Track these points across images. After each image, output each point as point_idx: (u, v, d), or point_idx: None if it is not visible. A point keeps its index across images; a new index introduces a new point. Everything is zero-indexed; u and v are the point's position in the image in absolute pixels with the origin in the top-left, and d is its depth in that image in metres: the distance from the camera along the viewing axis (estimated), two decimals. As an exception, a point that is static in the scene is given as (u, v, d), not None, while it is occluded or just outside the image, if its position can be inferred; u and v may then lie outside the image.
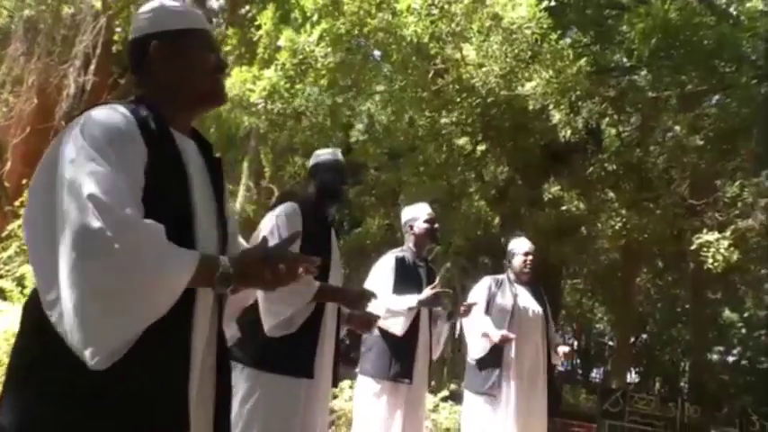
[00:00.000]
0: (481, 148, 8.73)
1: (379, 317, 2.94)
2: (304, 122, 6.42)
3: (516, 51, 6.25)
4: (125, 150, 1.22)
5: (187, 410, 1.26)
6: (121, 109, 1.29)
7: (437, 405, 4.73)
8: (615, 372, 11.05)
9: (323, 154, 2.95)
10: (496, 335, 3.67)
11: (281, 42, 5.27)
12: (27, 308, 1.26)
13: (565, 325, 22.30)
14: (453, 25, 5.48)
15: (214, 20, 10.39)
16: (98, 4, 8.81)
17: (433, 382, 5.64)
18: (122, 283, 1.11)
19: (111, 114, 1.26)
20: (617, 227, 6.86)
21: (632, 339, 17.90)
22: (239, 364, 2.56)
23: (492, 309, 3.83)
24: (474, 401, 3.76)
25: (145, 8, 1.46)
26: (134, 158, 1.23)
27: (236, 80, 5.68)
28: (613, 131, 8.74)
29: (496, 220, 9.49)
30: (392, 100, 6.49)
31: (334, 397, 4.64)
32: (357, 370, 3.45)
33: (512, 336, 3.66)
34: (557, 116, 6.75)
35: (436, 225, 3.63)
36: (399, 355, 3.27)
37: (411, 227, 3.58)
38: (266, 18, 5.58)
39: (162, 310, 1.16)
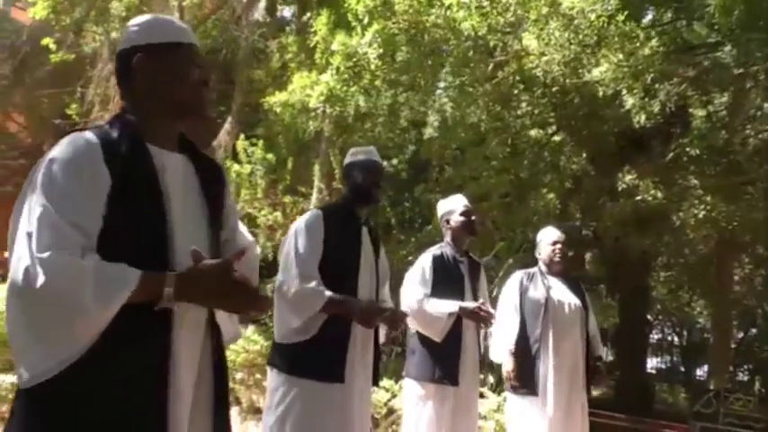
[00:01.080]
0: (557, 138, 8.46)
1: (406, 314, 2.91)
2: (367, 124, 6.48)
3: (580, 37, 6.00)
4: (79, 182, 1.27)
5: (165, 425, 1.29)
6: (87, 136, 1.35)
7: (501, 404, 4.62)
8: (715, 370, 10.34)
9: (357, 153, 2.91)
10: (509, 370, 3.57)
11: (335, 46, 5.36)
12: None
13: (663, 319, 21.13)
14: (508, 15, 5.33)
15: (287, 28, 10.70)
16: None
17: (492, 381, 5.56)
18: (39, 317, 1.19)
19: (70, 147, 1.31)
20: (700, 215, 6.41)
21: (740, 335, 16.67)
22: (274, 369, 2.64)
23: (524, 304, 3.68)
24: (513, 401, 3.65)
25: (133, 21, 1.53)
26: (90, 188, 1.28)
27: (297, 86, 5.82)
28: (701, 113, 8.20)
29: (575, 213, 9.16)
30: (454, 96, 6.41)
31: (394, 396, 4.67)
32: (403, 373, 3.43)
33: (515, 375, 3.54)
34: (630, 101, 6.40)
35: (473, 217, 3.50)
36: (442, 357, 3.21)
37: (447, 221, 3.47)
38: (321, 24, 5.69)
39: (81, 342, 1.21)
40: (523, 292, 3.72)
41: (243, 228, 1.70)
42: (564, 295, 3.74)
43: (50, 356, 1.20)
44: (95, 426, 1.23)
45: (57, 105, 10.77)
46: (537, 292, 3.70)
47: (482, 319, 3.24)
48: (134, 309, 1.24)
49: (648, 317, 17.61)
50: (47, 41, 8.64)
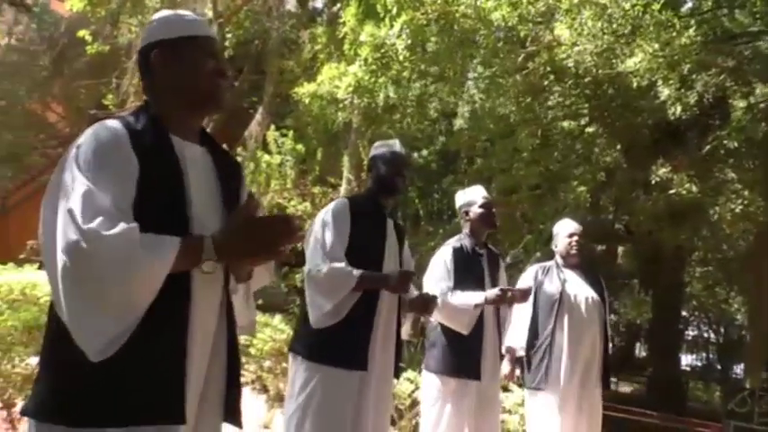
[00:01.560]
0: (589, 130, 8.32)
1: (436, 297, 2.90)
2: (396, 115, 6.47)
3: (614, 26, 5.88)
4: (110, 166, 1.30)
5: (182, 402, 1.33)
6: (114, 124, 1.38)
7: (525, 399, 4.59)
8: (750, 369, 10.08)
9: (382, 145, 2.93)
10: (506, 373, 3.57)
11: (363, 38, 5.36)
12: (51, 305, 1.43)
13: (699, 316, 20.67)
14: (540, 5, 5.25)
15: (318, 18, 10.74)
16: (210, 13, 9.43)
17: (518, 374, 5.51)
18: (97, 286, 1.22)
19: (101, 132, 1.35)
20: (737, 210, 6.23)
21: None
22: (298, 356, 2.67)
23: (538, 298, 3.60)
24: (528, 396, 3.61)
25: (151, 19, 1.57)
26: (121, 172, 1.31)
27: (326, 77, 5.84)
28: (741, 104, 7.95)
29: (607, 206, 9.02)
30: (484, 87, 6.36)
31: (417, 388, 4.67)
32: (422, 366, 3.40)
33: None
34: (665, 92, 6.25)
35: (493, 209, 3.44)
36: (464, 351, 3.17)
37: (467, 212, 3.40)
38: (349, 15, 5.69)
39: (141, 305, 1.25)
40: (538, 285, 3.64)
41: None
42: (581, 289, 3.63)
43: (116, 324, 1.23)
44: (123, 393, 1.27)
45: (93, 96, 11.04)
46: (551, 286, 3.59)
47: (509, 298, 3.20)
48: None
49: (684, 313, 17.26)
50: (83, 33, 8.83)
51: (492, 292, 3.18)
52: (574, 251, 3.67)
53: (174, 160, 1.41)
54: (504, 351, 3.54)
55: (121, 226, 1.22)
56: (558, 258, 3.74)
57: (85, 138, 1.34)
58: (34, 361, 3.12)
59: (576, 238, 3.68)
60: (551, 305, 3.55)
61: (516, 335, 3.61)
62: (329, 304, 2.54)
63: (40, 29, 10.97)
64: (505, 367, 3.59)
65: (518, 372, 3.77)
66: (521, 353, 3.61)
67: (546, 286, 3.63)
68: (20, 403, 3.03)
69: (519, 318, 3.61)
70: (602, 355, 3.59)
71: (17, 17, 11.79)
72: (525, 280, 3.72)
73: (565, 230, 3.74)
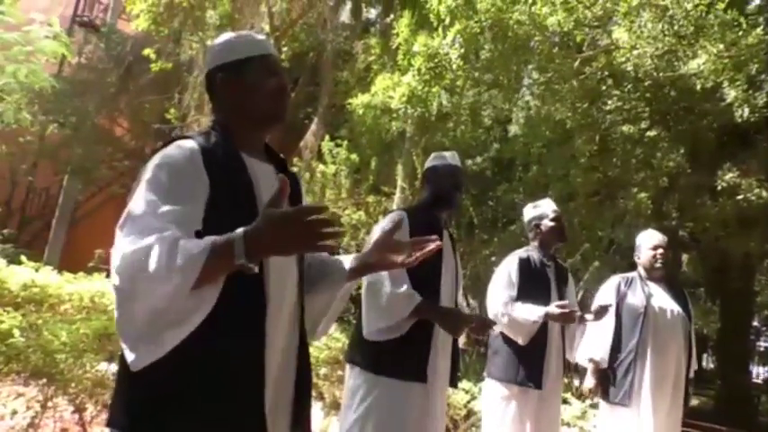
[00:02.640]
0: (651, 134, 8.08)
1: (494, 323, 2.88)
2: (449, 123, 6.45)
3: (675, 28, 5.69)
4: (183, 184, 1.33)
5: (264, 420, 1.35)
6: (188, 144, 1.42)
7: (585, 411, 4.48)
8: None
9: (438, 158, 2.91)
10: (589, 386, 3.46)
11: (416, 47, 5.37)
12: None
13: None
14: (596, 9, 5.14)
15: (371, 29, 10.86)
16: (267, 27, 9.68)
17: (577, 386, 5.38)
18: (139, 304, 1.22)
19: (174, 153, 1.39)
20: (812, 216, 5.93)
21: None
22: (356, 367, 2.68)
23: (622, 310, 3.50)
24: (606, 410, 3.51)
25: (213, 43, 1.63)
26: (192, 192, 1.34)
27: (380, 87, 5.89)
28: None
29: (670, 212, 8.70)
30: (539, 93, 6.27)
31: (473, 398, 4.63)
32: (485, 374, 3.40)
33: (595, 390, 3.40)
34: (732, 94, 6.00)
35: (564, 223, 3.43)
36: (527, 360, 3.15)
37: (537, 225, 3.41)
38: (403, 25, 5.72)
39: (182, 317, 1.23)
40: (621, 298, 3.54)
41: None
42: (665, 302, 3.52)
43: (154, 344, 1.23)
44: (195, 409, 1.28)
45: (157, 110, 11.48)
46: (636, 299, 3.51)
47: (568, 317, 3.15)
48: (232, 298, 1.27)
49: (755, 323, 16.42)
50: (148, 51, 9.21)
51: (554, 310, 3.14)
52: (658, 264, 3.55)
53: (247, 181, 1.44)
54: (587, 362, 3.50)
55: (163, 243, 1.21)
56: (642, 270, 3.63)
57: (161, 156, 1.39)
58: (104, 367, 3.26)
59: (661, 250, 3.56)
60: (636, 318, 3.46)
61: (598, 347, 3.52)
62: (383, 324, 2.55)
63: (107, 48, 11.50)
64: (589, 381, 3.51)
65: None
66: (604, 365, 3.52)
67: (630, 299, 3.53)
68: (90, 407, 3.17)
69: (600, 329, 3.51)
70: (686, 371, 3.47)
71: (86, 37, 12.44)
72: (606, 292, 3.63)
73: (648, 242, 3.62)
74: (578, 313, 3.20)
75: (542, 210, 3.45)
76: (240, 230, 1.21)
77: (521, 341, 3.17)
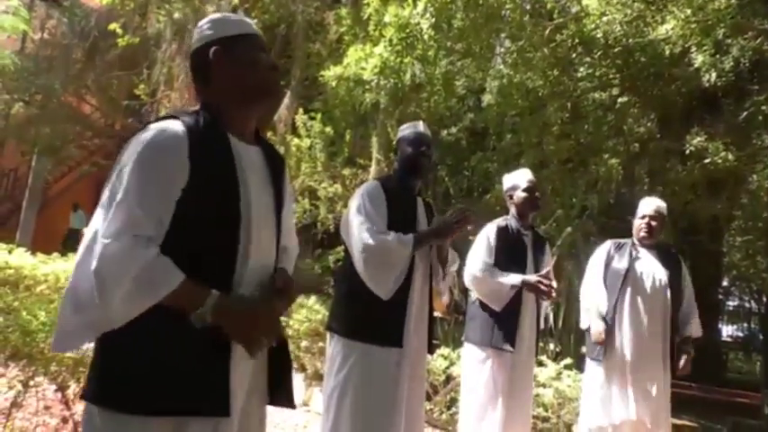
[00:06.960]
0: (621, 100, 8.17)
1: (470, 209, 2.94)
2: (422, 94, 6.44)
3: (644, -7, 5.73)
4: (162, 173, 1.37)
5: (227, 392, 1.40)
6: (175, 127, 1.43)
7: (560, 372, 4.62)
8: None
9: (405, 128, 3.00)
10: (596, 331, 3.53)
11: (387, 18, 5.34)
12: None
13: (741, 286, 20.21)
14: (566, -24, 5.15)
15: (342, 0, 10.70)
16: (236, 0, 9.48)
17: (556, 349, 5.54)
18: (83, 294, 1.33)
19: (159, 140, 1.40)
20: (775, 177, 6.09)
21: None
22: (335, 335, 2.75)
23: (607, 274, 3.62)
24: (590, 367, 3.64)
25: (203, 21, 1.63)
26: (170, 178, 1.37)
27: (352, 59, 5.85)
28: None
29: (642, 177, 8.86)
30: (511, 61, 6.29)
31: (452, 364, 4.75)
32: (463, 338, 3.50)
33: (601, 338, 3.49)
34: (699, 59, 6.08)
35: (537, 193, 3.52)
36: (501, 324, 3.28)
37: (511, 196, 3.53)
38: (373, -5, 5.66)
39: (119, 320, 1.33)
40: (608, 262, 3.65)
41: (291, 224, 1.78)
42: (650, 267, 3.60)
43: (88, 329, 1.36)
44: (163, 380, 1.33)
45: (126, 86, 11.25)
46: (620, 263, 3.60)
47: (543, 292, 3.25)
48: (201, 272, 1.35)
49: (725, 283, 16.89)
50: (114, 26, 8.98)
51: (530, 279, 3.24)
52: (643, 234, 3.64)
53: (229, 161, 1.46)
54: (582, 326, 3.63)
55: (127, 251, 1.30)
56: (634, 237, 3.72)
57: (145, 138, 1.40)
58: (85, 346, 3.27)
59: (646, 220, 3.64)
60: (616, 280, 3.56)
61: (588, 313, 3.64)
62: (392, 276, 2.62)
63: (71, 23, 11.16)
64: (596, 330, 3.57)
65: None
66: (591, 323, 3.61)
67: (615, 263, 3.63)
68: (73, 385, 3.18)
69: (587, 297, 3.66)
70: (669, 339, 3.54)
71: (49, 12, 12.05)
72: (598, 254, 3.74)
73: (640, 211, 3.71)
74: (554, 291, 3.28)
75: (515, 180, 3.55)
76: (214, 299, 1.34)
77: (496, 307, 3.28)
